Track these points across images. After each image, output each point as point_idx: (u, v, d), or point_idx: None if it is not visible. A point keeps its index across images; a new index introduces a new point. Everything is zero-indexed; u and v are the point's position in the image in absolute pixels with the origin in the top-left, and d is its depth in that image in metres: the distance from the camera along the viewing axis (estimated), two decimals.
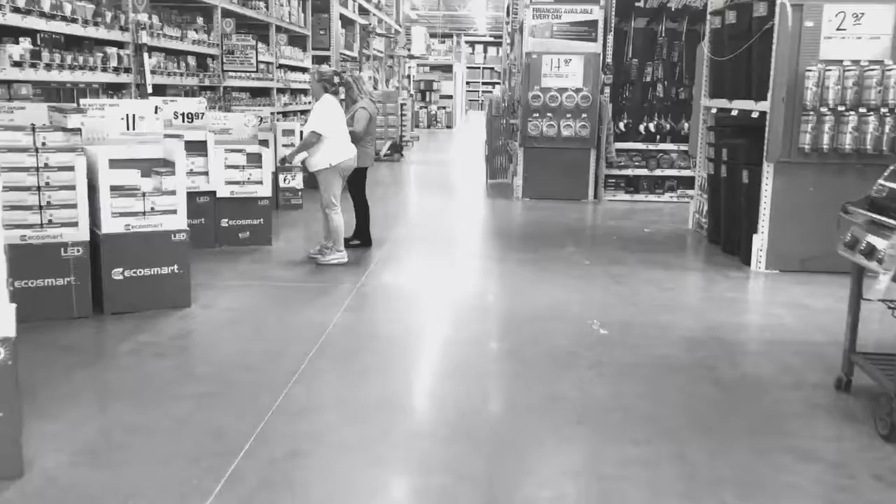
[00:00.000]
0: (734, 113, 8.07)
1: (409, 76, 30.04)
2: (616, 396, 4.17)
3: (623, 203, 11.73)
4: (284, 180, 10.23)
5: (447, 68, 33.81)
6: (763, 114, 7.20)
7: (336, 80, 7.21)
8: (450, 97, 33.18)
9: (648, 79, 12.08)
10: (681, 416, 3.95)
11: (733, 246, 7.96)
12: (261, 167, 7.91)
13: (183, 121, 7.81)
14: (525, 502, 3.08)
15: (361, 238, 7.90)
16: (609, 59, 11.78)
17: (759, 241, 7.28)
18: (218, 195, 7.73)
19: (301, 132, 8.49)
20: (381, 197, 11.00)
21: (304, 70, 14.97)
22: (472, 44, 40.87)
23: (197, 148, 7.59)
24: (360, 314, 5.69)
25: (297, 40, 15.25)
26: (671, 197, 12.18)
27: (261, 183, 7.91)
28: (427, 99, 32.65)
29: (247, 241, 7.84)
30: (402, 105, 19.49)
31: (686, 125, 11.76)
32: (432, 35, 33.69)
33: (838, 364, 4.39)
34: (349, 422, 3.76)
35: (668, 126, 12.11)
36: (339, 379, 4.35)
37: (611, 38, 11.70)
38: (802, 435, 3.77)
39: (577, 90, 11.37)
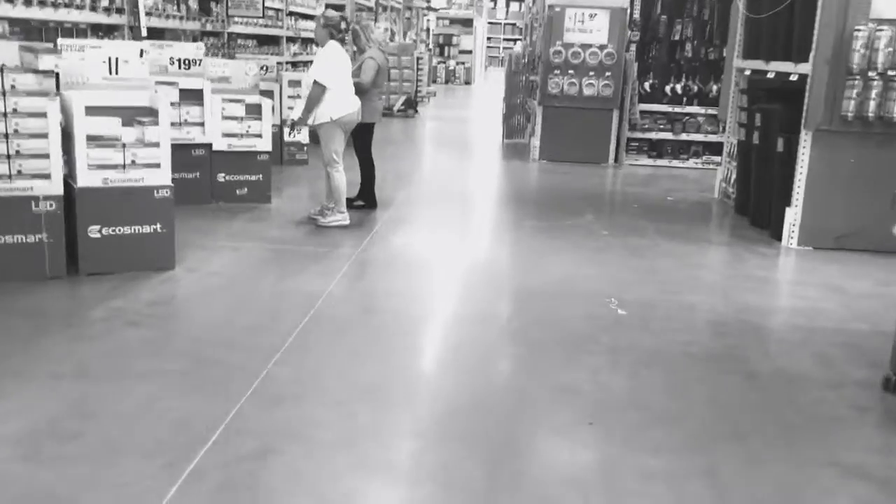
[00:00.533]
0: (770, 75, 7.47)
1: (427, 29, 29.22)
2: (635, 391, 3.71)
3: (645, 168, 11.17)
4: (290, 134, 9.70)
5: (467, 23, 32.89)
6: (803, 77, 6.63)
7: (343, 25, 6.66)
8: (469, 52, 32.35)
9: (677, 37, 11.42)
10: (708, 417, 3.49)
11: (763, 219, 7.43)
12: (261, 119, 7.42)
13: (179, 67, 7.30)
14: None
15: (366, 199, 7.43)
16: (636, 15, 11.12)
17: (793, 215, 6.75)
18: (214, 148, 7.26)
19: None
20: (391, 155, 10.49)
21: None
22: None
23: (193, 97, 7.11)
24: (357, 284, 5.24)
25: None
26: (696, 163, 11.61)
27: (260, 136, 7.43)
28: (446, 54, 31.83)
29: (244, 198, 7.38)
30: (418, 59, 18.82)
31: (715, 87, 11.15)
32: None
33: (884, 359, 3.91)
34: (331, 413, 3.32)
35: (695, 88, 11.48)
36: (326, 360, 3.91)
37: None
38: (848, 445, 3.30)
39: (602, 47, 10.74)
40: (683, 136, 11.67)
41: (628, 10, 10.85)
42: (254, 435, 3.09)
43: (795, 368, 4.10)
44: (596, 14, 10.75)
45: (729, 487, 2.90)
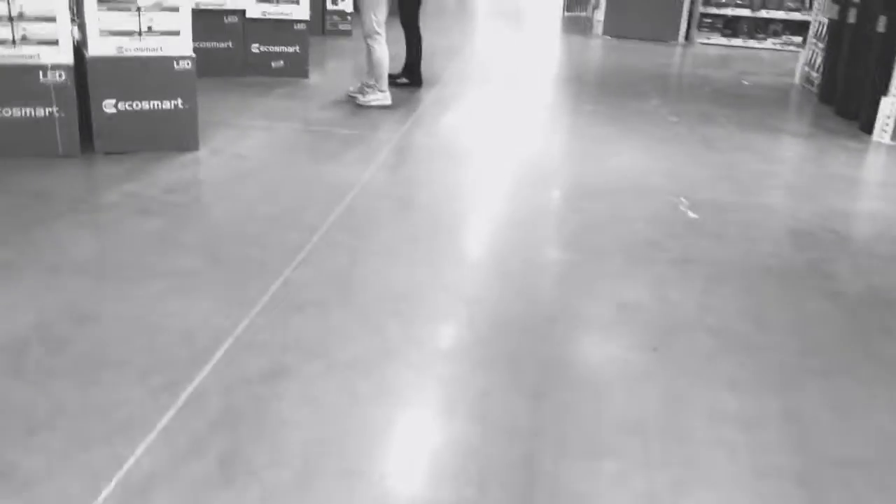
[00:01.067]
0: None
1: None
2: (706, 310, 3.22)
3: (718, 48, 10.27)
4: (333, 1, 9.04)
5: None
6: None
7: None
8: None
9: None
10: (791, 347, 2.99)
11: (851, 109, 6.66)
12: None
13: None
14: (576, 474, 2.23)
15: (411, 76, 6.83)
16: None
17: (889, 106, 5.99)
18: (248, 15, 6.68)
19: None
20: (441, 27, 9.75)
21: None
22: None
23: None
24: (395, 174, 4.75)
25: None
26: (774, 44, 10.63)
27: (297, 3, 6.80)
28: None
29: (280, 72, 6.86)
30: None
31: None
32: None
33: None
34: (355, 326, 2.91)
35: None
36: (354, 263, 3.47)
37: None
38: None
39: None
40: (762, 13, 10.65)
41: None
42: (266, 350, 2.71)
43: (893, 290, 3.55)
44: None
45: (816, 438, 2.44)
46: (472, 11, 13.33)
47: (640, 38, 10.12)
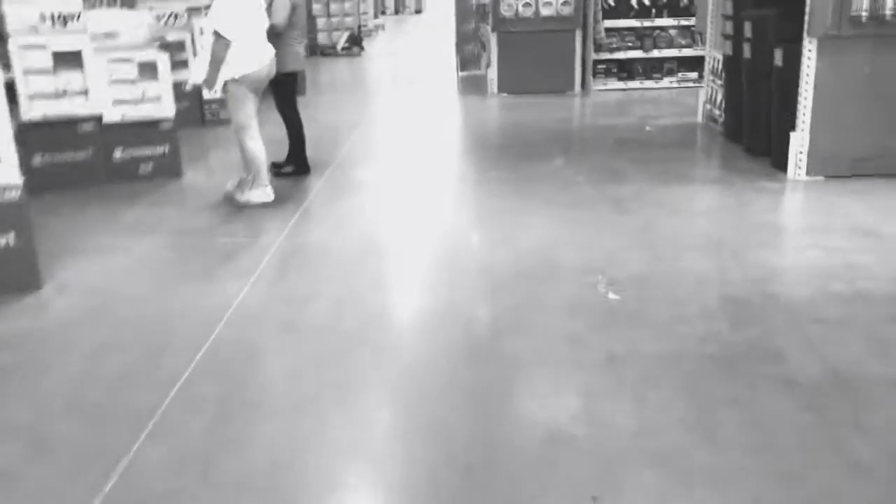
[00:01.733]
0: None
1: None
2: (646, 430, 2.68)
3: (616, 93, 10.06)
4: (209, 92, 8.43)
5: None
6: None
7: None
8: None
9: None
10: (757, 470, 2.46)
11: (760, 146, 6.38)
12: (157, 80, 6.16)
13: (53, 24, 6.00)
14: None
15: (296, 163, 6.25)
16: None
17: (799, 141, 5.71)
18: (105, 120, 6.03)
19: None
20: (331, 102, 9.22)
21: None
22: None
23: (71, 60, 5.87)
24: (276, 288, 4.11)
25: None
26: (671, 82, 10.50)
27: (159, 100, 6.18)
28: None
29: (150, 176, 6.19)
30: None
31: None
32: None
33: None
34: None
35: None
36: (220, 425, 2.82)
37: None
38: None
39: None
40: (655, 53, 10.54)
41: None
42: None
43: (849, 364, 3.08)
44: None
45: None
46: (363, 82, 12.93)
47: (537, 92, 9.84)
